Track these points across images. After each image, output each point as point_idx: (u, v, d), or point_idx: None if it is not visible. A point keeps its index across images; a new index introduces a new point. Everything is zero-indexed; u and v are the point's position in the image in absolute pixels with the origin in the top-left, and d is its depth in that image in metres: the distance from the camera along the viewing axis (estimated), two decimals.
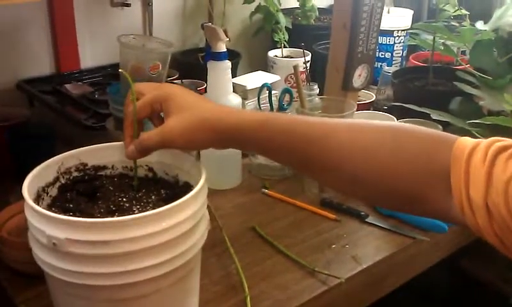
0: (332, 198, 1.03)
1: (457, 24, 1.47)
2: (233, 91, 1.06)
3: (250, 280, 0.81)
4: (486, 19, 1.25)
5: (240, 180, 1.11)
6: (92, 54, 1.35)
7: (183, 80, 1.34)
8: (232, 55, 1.24)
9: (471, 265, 1.21)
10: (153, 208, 0.63)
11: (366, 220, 0.98)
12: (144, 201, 0.67)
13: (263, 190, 1.07)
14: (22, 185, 0.62)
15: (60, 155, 0.70)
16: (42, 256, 0.60)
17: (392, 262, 0.91)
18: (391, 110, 1.19)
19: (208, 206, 0.67)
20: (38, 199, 0.66)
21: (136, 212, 0.65)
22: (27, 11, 1.23)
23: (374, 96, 1.33)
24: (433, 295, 1.33)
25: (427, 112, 1.02)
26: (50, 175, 0.69)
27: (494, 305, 1.19)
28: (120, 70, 0.72)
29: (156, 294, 0.61)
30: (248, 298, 0.78)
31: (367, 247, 0.91)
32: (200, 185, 0.63)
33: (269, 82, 1.13)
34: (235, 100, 1.05)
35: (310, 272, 0.84)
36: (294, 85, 1.18)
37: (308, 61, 1.32)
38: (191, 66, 1.42)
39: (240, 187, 1.10)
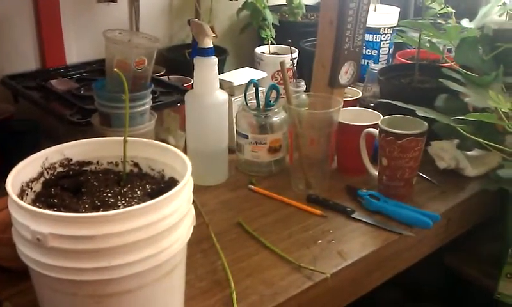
0: (318, 194, 1.03)
1: (443, 22, 1.48)
2: (220, 88, 1.06)
3: (236, 276, 0.82)
4: (472, 17, 1.26)
5: (227, 176, 1.11)
6: (78, 49, 1.34)
7: (169, 77, 1.34)
8: (218, 51, 1.24)
9: (455, 261, 1.22)
10: (138, 203, 0.63)
11: (352, 216, 0.98)
12: (130, 196, 0.67)
13: (249, 186, 1.07)
14: (5, 181, 0.62)
15: (44, 150, 0.70)
16: (26, 252, 0.60)
17: (378, 258, 0.92)
18: (377, 107, 1.19)
19: (194, 202, 0.67)
20: (22, 195, 0.65)
21: (121, 207, 0.65)
22: (12, 6, 1.22)
23: (361, 93, 1.33)
24: (418, 291, 1.34)
25: (413, 108, 1.02)
26: (35, 170, 0.68)
27: (478, 300, 1.20)
28: (115, 70, 0.72)
29: (141, 289, 0.61)
30: (234, 293, 0.78)
31: (352, 243, 0.92)
32: (185, 180, 0.63)
33: (256, 78, 1.13)
34: (221, 96, 1.05)
35: (296, 267, 0.84)
36: (281, 82, 1.18)
37: (295, 58, 1.33)
38: (177, 63, 1.42)
39: (226, 183, 1.10)
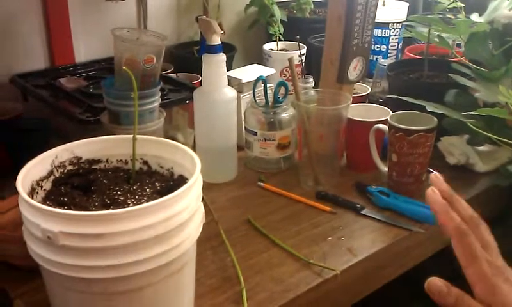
0: (327, 191, 1.03)
1: (452, 17, 1.47)
2: (229, 84, 1.06)
3: (246, 273, 0.82)
4: (481, 11, 1.25)
5: (236, 173, 1.11)
6: (86, 47, 1.34)
7: (178, 74, 1.34)
8: (227, 48, 1.24)
9: None
10: (148, 201, 0.63)
11: (361, 212, 0.98)
12: (139, 194, 0.67)
13: (258, 183, 1.07)
14: (16, 179, 0.62)
15: (54, 149, 0.70)
16: (37, 250, 0.60)
17: (388, 254, 0.91)
18: (386, 103, 1.19)
19: (203, 199, 0.67)
20: (32, 193, 0.66)
21: (131, 205, 0.65)
22: (21, 5, 1.23)
23: (370, 89, 1.33)
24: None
25: (423, 104, 1.01)
26: (44, 169, 0.69)
27: None
28: (123, 68, 0.72)
29: (151, 287, 0.61)
30: (244, 290, 0.78)
31: (362, 239, 0.92)
32: (195, 178, 0.63)
33: (265, 75, 1.13)
34: (230, 93, 1.05)
35: (306, 264, 0.84)
36: (290, 78, 1.18)
37: (304, 54, 1.32)
38: (185, 60, 1.42)
39: (235, 180, 1.10)
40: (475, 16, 1.22)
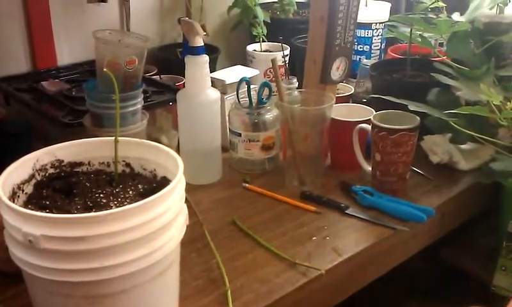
0: (312, 191, 1.03)
1: (434, 16, 1.48)
2: (212, 86, 1.06)
3: (231, 274, 0.81)
4: (463, 11, 1.26)
5: (221, 175, 1.11)
6: (69, 50, 1.34)
7: (161, 76, 1.33)
8: (210, 50, 1.23)
9: (450, 254, 1.22)
10: (131, 204, 0.63)
11: (346, 212, 0.98)
12: (122, 196, 0.67)
13: (243, 184, 1.07)
14: None
15: (35, 152, 0.69)
16: (18, 254, 0.59)
17: (372, 253, 0.92)
18: (369, 103, 1.19)
19: (188, 201, 0.67)
20: (13, 197, 0.65)
21: (113, 207, 0.64)
22: (2, 9, 1.22)
23: (353, 89, 1.33)
24: (414, 286, 1.34)
25: (405, 103, 1.02)
26: (26, 172, 0.68)
27: (474, 293, 1.20)
28: (104, 70, 0.71)
29: (135, 289, 0.61)
30: (229, 292, 0.78)
31: (347, 239, 0.92)
32: (177, 179, 0.63)
33: (248, 76, 1.13)
34: (213, 94, 1.05)
35: (291, 264, 0.84)
36: (273, 79, 1.18)
37: (287, 55, 1.33)
38: (169, 62, 1.42)
39: (220, 181, 1.10)
40: (456, 16, 1.23)
